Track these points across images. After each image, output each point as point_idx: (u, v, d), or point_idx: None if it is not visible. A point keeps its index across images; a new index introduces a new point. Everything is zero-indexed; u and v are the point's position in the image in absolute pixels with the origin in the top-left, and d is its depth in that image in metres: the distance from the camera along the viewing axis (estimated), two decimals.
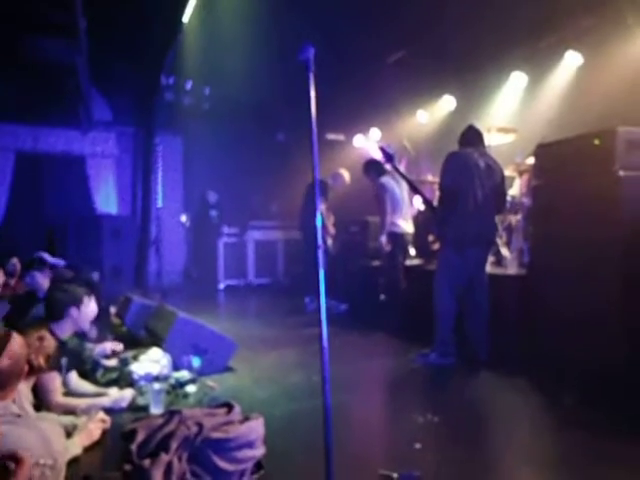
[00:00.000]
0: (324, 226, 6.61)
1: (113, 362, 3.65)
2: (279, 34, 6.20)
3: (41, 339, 2.62)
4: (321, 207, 6.58)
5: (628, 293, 3.35)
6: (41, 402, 2.71)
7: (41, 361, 2.46)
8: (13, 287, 5.06)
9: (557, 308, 3.76)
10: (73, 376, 3.08)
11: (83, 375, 3.25)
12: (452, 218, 4.07)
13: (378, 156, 5.67)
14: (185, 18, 6.62)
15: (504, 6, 5.38)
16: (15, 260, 5.36)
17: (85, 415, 2.63)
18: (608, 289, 3.42)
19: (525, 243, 4.83)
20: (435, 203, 4.47)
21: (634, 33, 5.28)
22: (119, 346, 4.05)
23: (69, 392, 3.00)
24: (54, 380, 2.81)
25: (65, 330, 3.11)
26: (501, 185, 4.22)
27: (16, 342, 2.10)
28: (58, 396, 2.82)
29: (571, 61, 6.16)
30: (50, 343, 2.68)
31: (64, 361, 2.91)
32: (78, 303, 3.18)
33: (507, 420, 3.12)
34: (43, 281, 4.45)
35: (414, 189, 4.66)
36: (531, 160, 5.19)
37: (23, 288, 4.79)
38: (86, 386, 3.16)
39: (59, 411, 2.72)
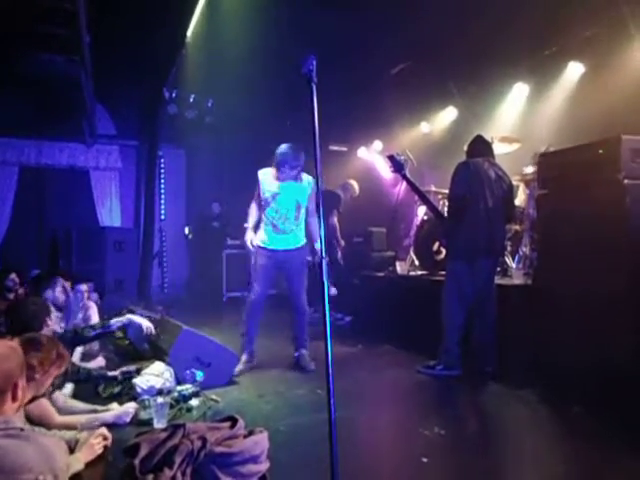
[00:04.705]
0: (335, 238, 6.56)
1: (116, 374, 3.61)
2: (281, 46, 6.23)
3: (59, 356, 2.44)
4: (333, 219, 6.54)
5: (637, 302, 3.31)
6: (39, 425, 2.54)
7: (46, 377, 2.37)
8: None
9: (564, 317, 3.72)
10: (60, 396, 2.97)
11: (83, 390, 3.18)
12: (462, 228, 4.03)
13: (385, 166, 5.60)
14: (188, 32, 6.69)
15: (506, 17, 5.40)
16: (14, 275, 5.32)
17: (87, 430, 2.59)
18: (616, 298, 3.39)
19: (531, 253, 4.80)
20: (443, 213, 4.44)
21: (636, 42, 5.29)
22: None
23: (59, 411, 2.86)
24: (42, 404, 2.64)
25: None
26: (510, 195, 4.20)
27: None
28: (56, 417, 2.71)
29: (573, 71, 6.17)
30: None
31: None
32: (49, 312, 3.16)
33: (515, 433, 3.07)
34: (60, 295, 4.46)
35: (422, 198, 4.63)
36: (530, 169, 5.19)
37: None
38: (76, 404, 3.04)
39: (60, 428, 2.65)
